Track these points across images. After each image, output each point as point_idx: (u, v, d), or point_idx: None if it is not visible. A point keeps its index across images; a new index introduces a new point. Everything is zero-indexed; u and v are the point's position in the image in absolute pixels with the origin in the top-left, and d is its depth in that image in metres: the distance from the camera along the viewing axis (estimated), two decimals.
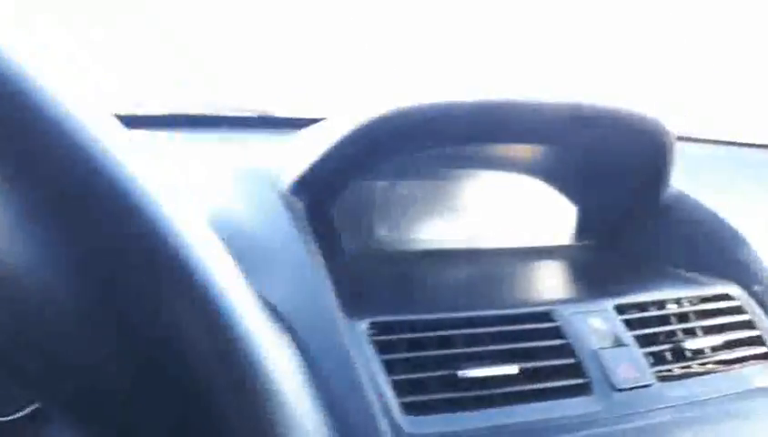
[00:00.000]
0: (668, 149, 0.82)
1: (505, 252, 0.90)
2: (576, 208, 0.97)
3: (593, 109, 0.79)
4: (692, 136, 1.20)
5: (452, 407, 0.59)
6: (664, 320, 0.73)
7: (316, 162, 0.68)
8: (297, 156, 0.71)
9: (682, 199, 0.90)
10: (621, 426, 0.61)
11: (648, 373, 0.66)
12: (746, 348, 0.75)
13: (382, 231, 0.86)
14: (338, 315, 0.57)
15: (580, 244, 0.97)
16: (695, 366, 0.72)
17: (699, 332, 0.74)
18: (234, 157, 0.72)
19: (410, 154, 0.80)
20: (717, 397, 0.68)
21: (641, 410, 0.63)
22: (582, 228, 0.98)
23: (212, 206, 0.62)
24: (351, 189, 0.82)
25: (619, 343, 0.68)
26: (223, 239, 0.57)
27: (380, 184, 0.85)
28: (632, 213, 0.92)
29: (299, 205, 0.70)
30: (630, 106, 0.81)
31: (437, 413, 0.58)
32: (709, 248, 0.86)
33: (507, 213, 0.93)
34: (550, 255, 0.92)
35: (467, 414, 0.59)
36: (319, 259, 0.61)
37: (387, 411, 0.56)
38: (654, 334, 0.71)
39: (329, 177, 0.70)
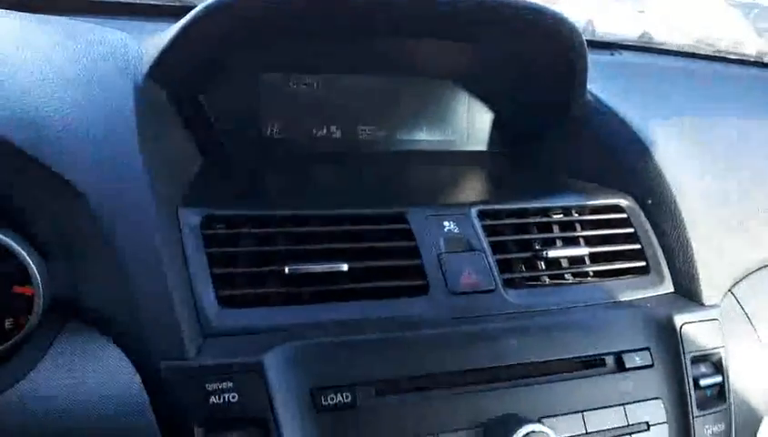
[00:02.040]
0: (578, 52, 0.76)
1: (402, 155, 0.88)
2: (490, 114, 0.92)
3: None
4: (612, 41, 1.12)
5: (275, 302, 0.59)
6: (528, 227, 0.70)
7: (165, 48, 0.65)
8: (159, 43, 0.68)
9: (595, 109, 0.85)
10: (453, 329, 0.60)
11: (493, 280, 0.64)
12: (623, 261, 0.72)
13: (272, 129, 0.83)
14: (152, 205, 0.56)
15: (492, 151, 0.93)
16: (566, 276, 0.70)
17: (576, 242, 0.71)
18: (100, 42, 0.69)
19: (268, 46, 0.76)
20: (571, 307, 0.66)
21: (479, 314, 0.62)
22: (497, 136, 0.93)
23: (63, 85, 0.61)
24: (235, 86, 0.80)
25: (470, 248, 0.66)
26: (66, 121, 0.57)
27: (272, 80, 0.82)
28: (546, 122, 0.88)
29: (160, 93, 0.68)
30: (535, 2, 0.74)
31: (255, 307, 0.58)
32: (613, 159, 0.82)
33: (415, 116, 0.90)
34: (450, 160, 0.89)
35: (287, 309, 0.59)
36: (149, 146, 0.59)
37: (197, 303, 0.56)
38: (514, 242, 0.69)
39: (184, 64, 0.68)
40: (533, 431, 0.54)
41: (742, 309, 0.80)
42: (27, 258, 0.54)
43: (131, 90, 0.62)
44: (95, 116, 0.59)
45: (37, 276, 0.54)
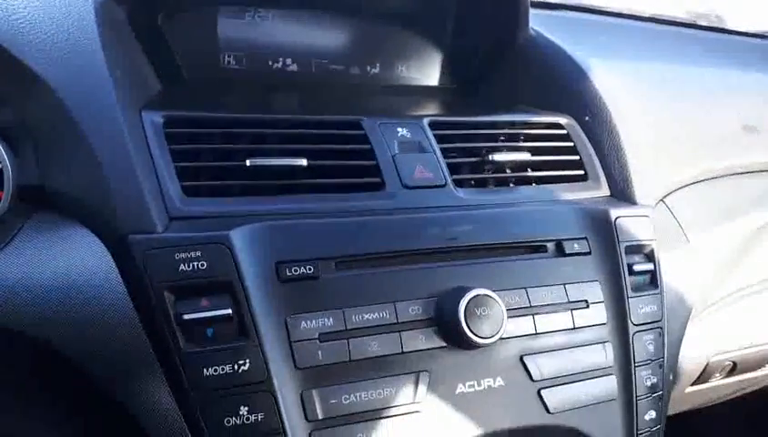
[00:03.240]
0: None
1: (355, 87, 0.92)
2: (440, 49, 0.97)
3: None
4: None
5: (237, 194, 0.62)
6: (476, 137, 0.75)
7: None
8: None
9: (537, 41, 0.91)
10: (407, 215, 0.65)
11: (444, 176, 0.69)
12: (563, 170, 0.78)
13: (229, 59, 0.86)
14: (115, 102, 0.59)
15: (442, 86, 0.98)
16: (510, 181, 0.76)
17: (520, 150, 0.77)
18: None
19: None
20: (516, 203, 0.72)
21: (431, 206, 0.67)
22: (446, 71, 0.98)
23: None
24: (194, 15, 0.82)
25: (421, 151, 0.70)
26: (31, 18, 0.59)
27: (230, 12, 0.85)
28: (493, 55, 0.93)
29: (120, 12, 0.71)
30: None
31: (218, 197, 0.61)
32: (555, 84, 0.88)
33: (367, 52, 0.94)
34: (403, 91, 0.93)
35: (249, 199, 0.62)
36: (111, 55, 0.61)
37: (163, 192, 0.58)
38: (462, 148, 0.74)
39: None
40: (482, 295, 0.59)
41: (674, 217, 0.87)
42: None
43: (91, 6, 0.65)
44: (59, 22, 0.61)
45: (6, 161, 0.56)
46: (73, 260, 0.55)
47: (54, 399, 0.57)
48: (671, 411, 1.12)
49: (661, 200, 0.87)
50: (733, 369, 0.97)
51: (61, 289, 0.54)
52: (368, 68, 0.95)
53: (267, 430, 0.52)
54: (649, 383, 0.68)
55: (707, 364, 0.92)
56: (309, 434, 0.54)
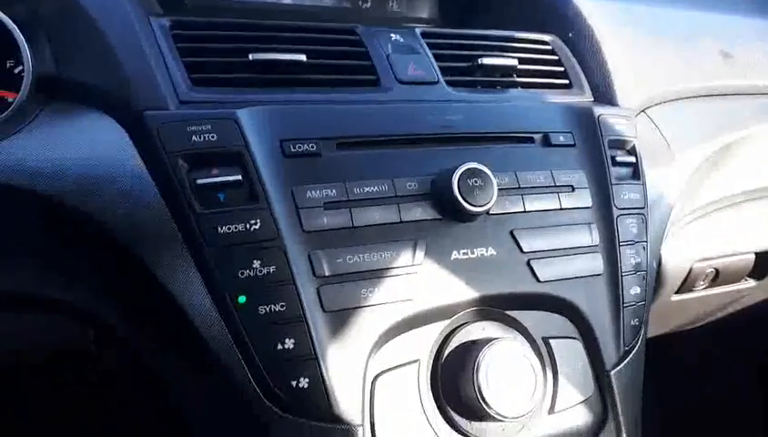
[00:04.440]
0: None
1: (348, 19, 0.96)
2: None
3: None
4: None
5: (241, 85, 0.66)
6: (466, 45, 0.79)
7: None
8: None
9: None
10: (403, 105, 0.69)
11: (436, 75, 0.73)
12: (550, 78, 0.83)
13: None
14: (128, 3, 0.63)
15: (431, 18, 1.02)
16: (498, 83, 0.80)
17: (507, 58, 0.81)
18: None
19: None
20: (505, 101, 0.77)
21: (425, 99, 0.71)
22: (435, 5, 1.03)
23: None
24: None
25: (414, 53, 0.75)
26: None
27: None
28: None
29: None
30: None
31: (224, 87, 0.65)
32: (540, 11, 0.92)
33: None
34: (395, 23, 0.98)
35: (252, 90, 0.66)
36: None
37: (173, 81, 0.62)
38: (453, 55, 0.78)
39: None
40: (474, 167, 0.63)
41: (657, 128, 0.92)
42: (17, 30, 0.60)
43: None
44: None
45: (26, 50, 0.60)
46: (91, 138, 0.60)
47: (87, 266, 0.61)
48: (660, 328, 1.18)
49: (644, 112, 0.92)
50: (716, 277, 1.02)
51: (81, 163, 0.58)
52: (360, 3, 0.99)
53: (277, 281, 0.57)
54: (633, 261, 0.72)
55: (690, 270, 0.97)
56: (317, 288, 0.58)
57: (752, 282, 1.09)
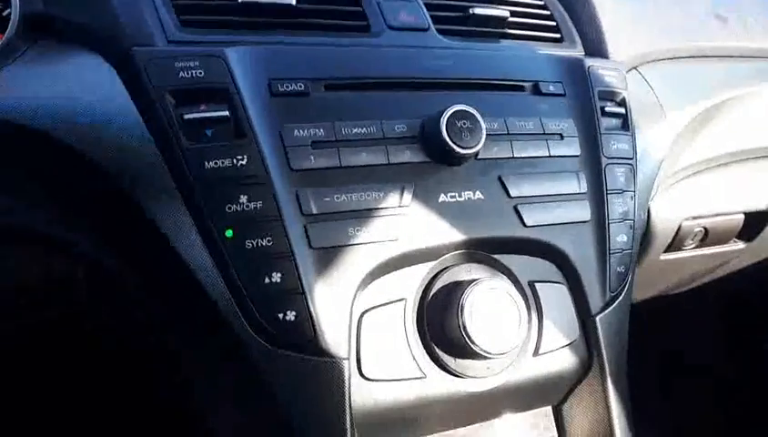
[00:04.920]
0: None
1: None
2: None
3: None
4: None
5: (230, 27, 0.66)
6: None
7: None
8: None
9: None
10: (394, 48, 0.70)
11: (427, 22, 0.73)
12: (542, 32, 0.82)
13: None
14: None
15: None
16: (489, 33, 0.79)
17: (499, 9, 0.80)
18: None
19: None
20: (495, 51, 0.77)
21: (415, 45, 0.71)
22: None
23: None
24: None
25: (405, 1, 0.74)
26: None
27: None
28: None
29: None
30: None
31: (213, 28, 0.65)
32: None
33: None
34: None
35: (242, 33, 0.65)
36: None
37: (162, 22, 0.62)
38: (445, 3, 0.77)
39: None
40: (463, 109, 0.63)
41: (649, 85, 0.92)
42: None
43: None
44: None
45: None
46: (78, 75, 0.60)
47: (75, 200, 0.61)
48: (649, 291, 1.19)
49: (637, 70, 0.92)
50: (705, 237, 1.02)
51: (69, 99, 0.58)
52: None
53: (264, 216, 0.57)
54: (620, 210, 0.73)
55: (679, 228, 0.97)
56: (304, 226, 0.59)
57: (740, 244, 1.10)
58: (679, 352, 1.46)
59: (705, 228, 1.01)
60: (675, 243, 1.00)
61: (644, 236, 0.94)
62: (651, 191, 0.84)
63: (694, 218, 0.99)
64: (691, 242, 1.02)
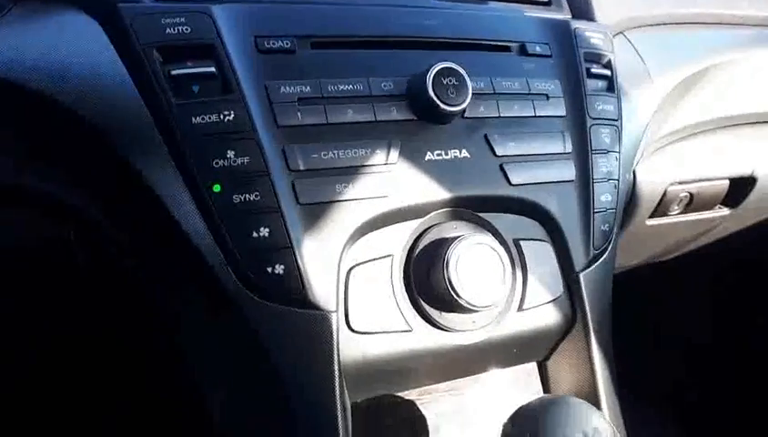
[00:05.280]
0: None
1: None
2: None
3: None
4: None
5: None
6: None
7: None
8: None
9: None
10: (380, 8, 0.69)
11: None
12: None
13: None
14: None
15: None
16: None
17: None
18: None
19: None
20: (482, 11, 0.77)
21: (402, 4, 0.71)
22: None
23: None
24: None
25: None
26: None
27: None
28: None
29: None
30: None
31: None
32: None
33: None
34: None
35: None
36: None
37: None
38: None
39: None
40: (449, 67, 0.64)
41: (636, 50, 0.92)
42: None
43: None
44: None
45: None
46: (65, 32, 0.59)
47: (65, 157, 0.61)
48: (635, 257, 1.21)
49: (624, 35, 0.93)
50: (690, 202, 1.04)
51: (56, 56, 0.58)
52: None
53: (252, 172, 0.58)
54: (605, 169, 0.74)
55: (665, 193, 0.98)
56: (292, 182, 0.59)
57: (725, 210, 1.11)
58: (664, 320, 1.48)
59: (690, 194, 1.03)
60: (661, 208, 1.01)
61: (630, 200, 0.95)
62: (636, 154, 0.85)
63: (680, 183, 1.00)
64: (676, 207, 1.04)
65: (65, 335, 0.88)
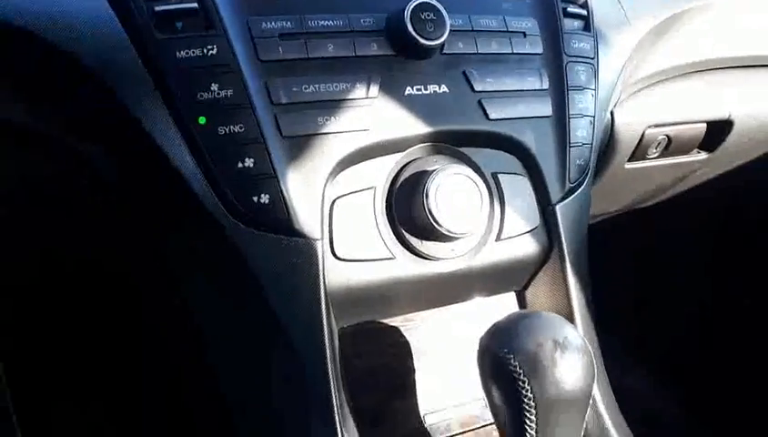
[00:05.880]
0: None
1: None
2: None
3: None
4: None
5: None
6: None
7: None
8: None
9: None
10: None
11: None
12: None
13: None
14: None
15: None
16: None
17: None
18: None
19: None
20: None
21: None
22: None
23: None
24: None
25: None
26: None
27: None
28: None
29: None
30: None
31: None
32: None
33: None
34: None
35: None
36: None
37: None
38: None
39: None
40: (426, 2, 0.65)
41: None
42: None
43: None
44: None
45: None
46: None
47: (54, 94, 0.63)
48: (614, 204, 1.24)
49: None
50: (668, 146, 1.07)
51: None
52: None
53: (235, 104, 0.59)
54: (580, 105, 0.76)
55: (643, 135, 1.01)
56: (275, 115, 0.61)
57: (703, 155, 1.14)
58: (643, 266, 1.53)
59: (668, 137, 1.05)
60: (639, 151, 1.04)
61: (609, 143, 0.98)
62: (612, 94, 0.87)
63: (657, 125, 1.03)
64: (654, 151, 1.06)
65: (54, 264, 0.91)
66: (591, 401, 0.56)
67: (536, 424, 0.52)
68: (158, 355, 0.96)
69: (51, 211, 0.72)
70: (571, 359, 0.52)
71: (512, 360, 0.51)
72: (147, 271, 0.79)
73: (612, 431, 0.69)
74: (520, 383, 0.51)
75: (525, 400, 0.51)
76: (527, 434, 0.52)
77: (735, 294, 1.48)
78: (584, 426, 0.56)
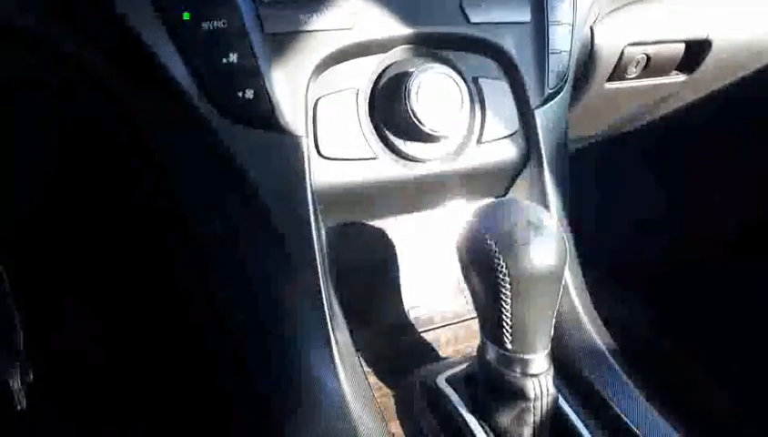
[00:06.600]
0: None
1: None
2: None
3: None
4: None
5: None
6: None
7: None
8: None
9: None
10: None
11: None
12: None
13: None
14: None
15: None
16: None
17: None
18: None
19: None
20: None
21: None
22: None
23: None
24: None
25: None
26: None
27: None
28: None
29: None
30: None
31: None
32: None
33: None
34: None
35: None
36: None
37: None
38: None
39: None
40: None
41: None
42: None
43: None
44: None
45: None
46: None
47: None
48: (594, 126, 1.27)
49: None
50: (647, 65, 1.08)
51: None
52: None
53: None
54: (559, 13, 0.77)
55: (622, 53, 1.02)
56: (257, 12, 0.62)
57: (682, 76, 1.16)
58: (621, 190, 1.56)
59: (647, 55, 1.07)
60: (618, 70, 1.05)
61: (588, 60, 0.99)
62: (593, 5, 0.88)
63: (637, 43, 1.04)
64: (633, 70, 1.08)
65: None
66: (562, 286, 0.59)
67: (510, 300, 0.55)
68: (154, 253, 0.99)
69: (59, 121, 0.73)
70: (544, 238, 0.54)
71: (488, 239, 0.54)
72: (135, 169, 0.81)
73: (582, 314, 0.73)
74: (495, 260, 0.54)
75: (500, 276, 0.54)
76: (502, 310, 0.56)
77: (719, 218, 1.53)
78: (557, 307, 0.59)
